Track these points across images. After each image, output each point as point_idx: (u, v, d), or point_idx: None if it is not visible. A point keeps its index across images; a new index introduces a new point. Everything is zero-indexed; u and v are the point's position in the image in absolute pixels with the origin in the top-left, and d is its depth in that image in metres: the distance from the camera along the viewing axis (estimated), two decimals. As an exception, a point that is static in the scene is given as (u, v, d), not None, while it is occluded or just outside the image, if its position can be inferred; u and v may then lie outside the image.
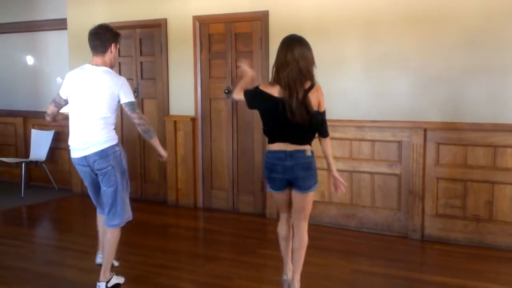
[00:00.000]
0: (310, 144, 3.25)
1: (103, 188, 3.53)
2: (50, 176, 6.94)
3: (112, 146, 3.47)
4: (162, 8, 5.92)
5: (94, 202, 3.76)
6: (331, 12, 5.01)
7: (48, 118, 3.65)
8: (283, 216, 3.45)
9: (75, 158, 3.50)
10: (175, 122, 5.95)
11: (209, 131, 5.87)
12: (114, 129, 3.55)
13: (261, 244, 4.73)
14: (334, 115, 5.01)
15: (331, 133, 5.02)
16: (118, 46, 3.60)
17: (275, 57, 5.59)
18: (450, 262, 4.18)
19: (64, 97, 3.54)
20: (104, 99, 3.41)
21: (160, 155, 3.83)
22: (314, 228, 5.09)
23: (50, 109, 3.60)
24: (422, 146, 4.63)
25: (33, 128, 7.22)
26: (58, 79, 7.28)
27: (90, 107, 3.42)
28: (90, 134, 3.42)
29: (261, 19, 5.36)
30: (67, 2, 6.59)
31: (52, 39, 7.33)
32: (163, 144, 6.09)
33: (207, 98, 5.83)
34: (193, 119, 5.86)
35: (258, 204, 5.64)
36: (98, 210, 3.82)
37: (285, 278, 3.46)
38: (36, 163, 6.96)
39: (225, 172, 5.81)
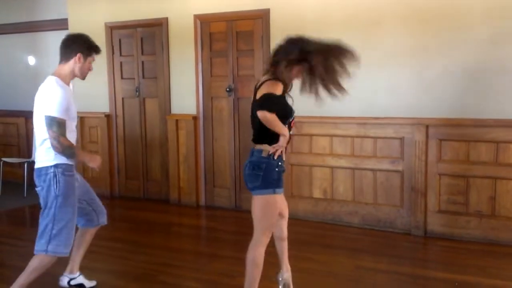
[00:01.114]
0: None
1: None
2: (53, 176, 6.95)
3: (47, 168, 3.18)
4: (163, 7, 5.93)
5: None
6: (332, 9, 5.01)
7: None
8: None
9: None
10: (176, 121, 5.95)
11: (211, 130, 5.87)
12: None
13: (264, 241, 4.72)
14: (336, 113, 5.02)
15: (332, 130, 5.05)
16: (89, 59, 3.29)
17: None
18: (453, 258, 4.18)
19: None
20: (39, 112, 3.21)
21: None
22: (317, 225, 5.12)
23: None
24: (424, 143, 4.63)
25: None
26: (60, 79, 7.29)
27: (35, 120, 3.29)
28: (36, 150, 3.26)
29: (262, 17, 5.36)
30: (68, 2, 6.60)
31: (53, 39, 7.31)
32: (165, 143, 6.12)
33: (208, 97, 5.83)
34: (195, 118, 5.87)
35: (260, 202, 5.63)
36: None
37: (279, 277, 3.46)
38: (39, 163, 6.97)
39: (227, 170, 5.81)
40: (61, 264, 3.54)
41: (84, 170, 6.72)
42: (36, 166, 3.25)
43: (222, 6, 5.55)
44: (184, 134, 5.92)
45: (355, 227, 4.99)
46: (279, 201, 3.10)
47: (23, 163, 6.81)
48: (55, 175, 3.17)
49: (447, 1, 4.53)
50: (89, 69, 3.33)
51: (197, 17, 5.72)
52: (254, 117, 2.93)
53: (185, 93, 5.93)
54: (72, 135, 3.22)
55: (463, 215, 4.58)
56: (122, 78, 6.38)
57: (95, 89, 6.53)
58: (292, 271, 3.91)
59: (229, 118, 5.73)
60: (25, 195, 6.58)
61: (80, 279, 3.68)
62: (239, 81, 5.62)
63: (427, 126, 4.62)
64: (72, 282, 3.64)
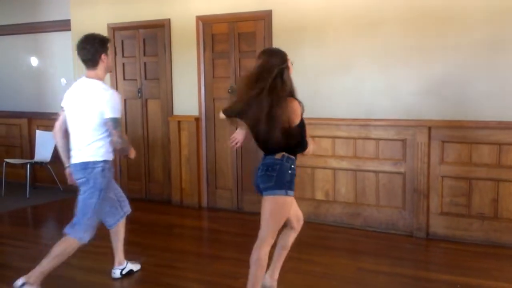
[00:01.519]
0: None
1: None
2: (55, 177, 6.96)
3: (95, 162, 3.46)
4: (165, 8, 5.93)
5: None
6: (334, 11, 5.00)
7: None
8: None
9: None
10: (179, 122, 5.96)
11: (213, 131, 5.88)
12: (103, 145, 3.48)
13: (266, 243, 4.72)
14: (338, 114, 5.03)
15: (335, 132, 5.04)
16: (108, 53, 3.55)
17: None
18: (456, 260, 4.17)
19: (63, 108, 3.63)
20: (90, 114, 3.44)
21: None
22: (319, 227, 5.11)
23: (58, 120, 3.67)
24: (427, 145, 4.62)
25: (38, 129, 7.24)
26: (63, 80, 7.30)
27: (79, 121, 3.50)
28: (77, 146, 3.53)
29: (264, 18, 5.36)
30: (70, 3, 6.61)
31: (56, 41, 7.35)
32: (167, 144, 6.13)
33: (210, 98, 5.83)
34: (197, 119, 5.87)
35: (262, 203, 5.64)
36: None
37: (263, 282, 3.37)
38: (41, 164, 6.98)
39: (229, 171, 5.81)
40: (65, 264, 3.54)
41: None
42: (81, 160, 3.50)
43: (224, 7, 5.55)
44: (186, 135, 5.93)
45: (357, 229, 4.98)
46: (291, 207, 3.13)
47: (26, 164, 6.83)
48: (103, 170, 3.49)
49: (449, 3, 4.53)
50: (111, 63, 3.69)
51: (199, 18, 5.73)
52: (273, 131, 2.93)
53: (187, 94, 5.94)
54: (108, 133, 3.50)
55: (466, 217, 4.57)
56: (124, 79, 6.39)
57: (97, 90, 6.54)
58: (294, 272, 3.92)
59: (231, 119, 5.72)
60: (28, 196, 6.60)
61: (129, 266, 3.97)
62: (241, 83, 5.62)
63: (429, 128, 4.61)
64: (124, 272, 3.94)
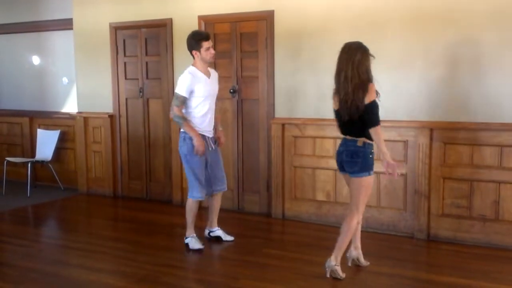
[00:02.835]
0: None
1: None
2: (56, 176, 6.97)
3: (181, 132, 4.42)
4: (167, 8, 5.93)
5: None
6: (337, 11, 5.00)
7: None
8: None
9: None
10: (180, 121, 5.95)
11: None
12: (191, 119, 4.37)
13: (266, 243, 4.73)
14: (340, 115, 5.01)
15: (336, 133, 5.03)
16: (201, 49, 4.28)
17: (280, 56, 5.62)
18: (457, 262, 4.16)
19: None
20: None
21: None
22: (320, 228, 5.11)
23: None
24: (428, 146, 4.62)
25: (39, 128, 7.25)
26: (64, 79, 7.31)
27: None
28: None
29: (266, 18, 5.36)
30: (73, 2, 6.61)
31: (58, 39, 7.36)
32: (168, 144, 6.13)
33: (212, 98, 5.82)
34: (199, 119, 5.86)
35: (263, 203, 5.64)
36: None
37: (347, 255, 3.98)
38: (42, 162, 6.99)
39: (231, 171, 5.80)
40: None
41: (88, 170, 6.74)
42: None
43: (226, 7, 5.55)
44: (187, 135, 5.92)
45: (358, 230, 4.97)
46: (372, 181, 3.80)
47: (27, 162, 6.83)
48: (184, 139, 4.38)
49: (452, 4, 4.52)
50: (209, 55, 4.34)
51: (201, 18, 5.72)
52: (359, 115, 3.56)
53: (189, 94, 5.92)
54: (200, 109, 4.35)
55: (467, 219, 4.56)
56: (126, 78, 6.39)
57: (99, 90, 6.55)
58: (295, 273, 3.93)
59: (232, 119, 5.73)
60: (28, 195, 6.60)
61: (218, 233, 4.72)
62: (243, 82, 5.62)
63: (431, 129, 4.61)
64: (212, 234, 4.73)
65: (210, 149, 4.43)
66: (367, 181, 3.68)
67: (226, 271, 4.02)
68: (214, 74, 4.53)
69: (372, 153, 3.66)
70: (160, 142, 6.27)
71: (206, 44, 4.29)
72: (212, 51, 4.34)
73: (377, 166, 4.99)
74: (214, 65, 5.77)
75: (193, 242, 4.50)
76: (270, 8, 5.31)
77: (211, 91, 4.43)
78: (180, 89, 4.28)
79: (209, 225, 4.76)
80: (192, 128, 4.31)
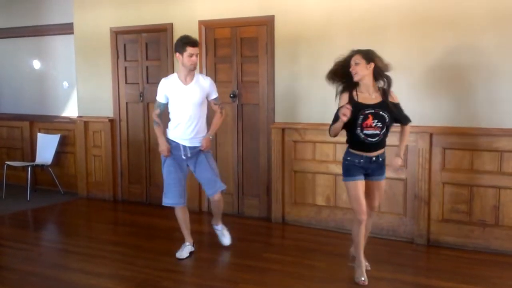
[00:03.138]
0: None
1: None
2: (56, 180, 6.97)
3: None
4: (168, 12, 5.95)
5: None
6: (337, 17, 5.02)
7: None
8: None
9: None
10: (180, 126, 5.96)
11: (215, 135, 5.86)
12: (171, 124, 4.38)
13: (266, 248, 4.73)
14: (340, 120, 5.02)
15: (337, 137, 5.03)
16: (185, 53, 4.17)
17: (280, 61, 5.61)
18: (457, 267, 4.16)
19: None
20: None
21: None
22: (320, 232, 5.11)
23: None
24: (428, 151, 4.62)
25: (39, 132, 7.26)
26: (65, 83, 7.32)
27: None
28: None
29: (267, 24, 5.37)
30: (74, 6, 6.63)
31: (59, 44, 7.37)
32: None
33: (212, 102, 5.83)
34: (199, 123, 5.87)
35: (263, 208, 5.64)
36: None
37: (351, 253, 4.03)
38: (42, 166, 7.00)
39: (231, 176, 5.81)
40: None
41: (88, 174, 6.74)
42: None
43: (227, 12, 5.57)
44: (187, 139, 5.92)
45: (358, 235, 4.96)
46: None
47: (27, 166, 6.83)
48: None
49: (452, 8, 4.53)
50: (190, 61, 4.20)
51: (202, 23, 5.74)
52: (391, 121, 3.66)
53: (189, 99, 5.94)
54: (174, 115, 4.31)
55: (467, 224, 4.56)
56: (126, 83, 6.40)
57: (99, 94, 6.56)
58: (295, 278, 3.92)
59: (232, 123, 5.74)
60: (28, 199, 6.60)
61: (217, 233, 4.76)
62: (243, 87, 5.63)
63: (431, 134, 4.61)
64: (218, 230, 4.77)
65: (184, 157, 4.32)
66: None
67: (226, 275, 4.02)
68: (200, 81, 4.34)
69: (346, 159, 3.78)
70: (160, 146, 6.27)
71: (190, 50, 4.16)
72: (194, 59, 4.19)
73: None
74: (215, 70, 5.80)
75: (180, 251, 4.45)
76: (271, 13, 5.33)
77: (188, 99, 4.25)
78: (157, 94, 4.35)
79: (213, 221, 4.78)
80: (160, 132, 4.35)
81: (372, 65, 3.61)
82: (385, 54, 4.80)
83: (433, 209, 4.67)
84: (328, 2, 5.05)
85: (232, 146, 5.77)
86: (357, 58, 3.62)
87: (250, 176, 5.72)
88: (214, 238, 5.24)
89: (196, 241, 5.17)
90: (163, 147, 4.33)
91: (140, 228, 5.42)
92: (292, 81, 5.30)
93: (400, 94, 4.80)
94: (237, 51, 5.61)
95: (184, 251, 4.43)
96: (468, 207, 4.55)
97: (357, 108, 3.58)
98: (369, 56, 3.63)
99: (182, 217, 4.48)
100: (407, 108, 4.77)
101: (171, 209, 6.04)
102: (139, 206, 6.32)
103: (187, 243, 4.49)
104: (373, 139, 3.60)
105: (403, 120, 3.79)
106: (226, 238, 4.70)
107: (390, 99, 3.68)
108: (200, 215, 5.89)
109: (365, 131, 3.60)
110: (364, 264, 3.87)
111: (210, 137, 4.42)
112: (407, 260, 4.40)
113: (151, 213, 5.99)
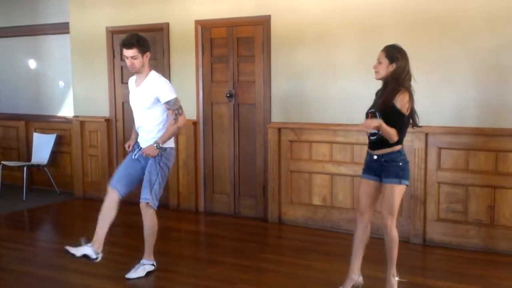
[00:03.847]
0: None
1: None
2: (52, 180, 6.95)
3: None
4: (164, 12, 5.94)
5: None
6: (333, 17, 5.02)
7: None
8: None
9: None
10: (177, 126, 5.95)
11: (211, 135, 5.88)
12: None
13: (262, 248, 4.73)
14: (336, 120, 5.03)
15: (332, 137, 5.04)
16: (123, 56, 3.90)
17: (276, 61, 5.60)
18: (453, 267, 4.17)
19: None
20: None
21: None
22: (316, 232, 5.11)
23: None
24: (424, 151, 4.63)
25: (35, 131, 7.24)
26: (60, 83, 7.30)
27: None
28: None
29: (263, 23, 5.37)
30: (70, 6, 6.61)
31: (55, 43, 7.35)
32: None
33: (208, 102, 5.84)
34: (195, 123, 5.87)
35: (259, 208, 5.64)
36: None
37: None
38: (38, 166, 6.98)
39: (227, 176, 5.81)
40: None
41: (84, 174, 6.73)
42: None
43: (223, 12, 5.56)
44: (184, 139, 5.93)
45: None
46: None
47: (23, 166, 6.81)
48: None
49: (449, 9, 4.54)
50: (128, 63, 3.86)
51: (198, 22, 5.74)
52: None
53: (185, 98, 5.89)
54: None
55: (462, 223, 4.58)
56: (122, 82, 6.38)
57: (95, 93, 6.55)
58: (292, 278, 3.93)
59: (229, 123, 5.73)
60: (24, 199, 6.58)
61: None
62: (240, 87, 5.63)
63: (426, 134, 4.62)
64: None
65: (133, 157, 4.08)
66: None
67: (223, 275, 4.02)
68: (150, 83, 3.88)
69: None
70: (157, 146, 6.26)
71: (124, 52, 3.82)
72: (129, 62, 3.80)
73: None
74: (211, 70, 5.79)
75: (74, 248, 3.89)
76: (267, 13, 5.33)
77: (135, 102, 4.00)
78: None
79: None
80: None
81: (394, 66, 3.43)
82: (381, 54, 4.83)
83: (429, 208, 4.68)
84: (325, 2, 5.05)
85: (228, 146, 5.77)
86: (381, 56, 3.49)
87: (246, 176, 5.72)
88: (210, 238, 5.25)
89: (193, 241, 5.18)
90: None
91: (135, 228, 5.38)
92: (288, 81, 5.30)
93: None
94: (234, 50, 5.61)
95: (79, 250, 3.84)
96: (464, 206, 4.56)
97: (371, 106, 3.58)
98: (392, 54, 3.46)
99: (105, 205, 4.03)
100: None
101: (166, 210, 6.07)
102: (135, 206, 6.25)
103: (84, 242, 3.92)
104: (373, 138, 3.49)
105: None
106: (132, 273, 4.00)
107: (394, 101, 3.42)
108: (197, 215, 5.89)
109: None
110: (352, 278, 3.63)
111: (155, 145, 3.85)
112: (403, 260, 4.38)
113: (147, 213, 5.96)
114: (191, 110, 5.90)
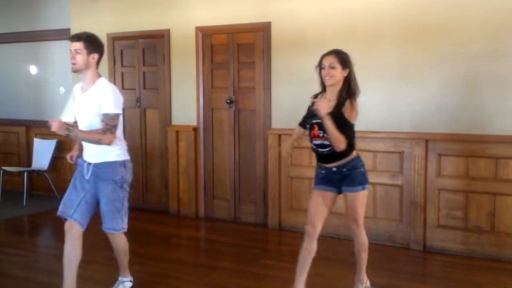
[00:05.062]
0: None
1: None
2: (52, 185, 6.95)
3: None
4: (165, 18, 5.97)
5: None
6: (333, 24, 5.04)
7: None
8: None
9: None
10: (177, 132, 5.97)
11: (211, 141, 5.89)
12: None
13: (262, 254, 4.72)
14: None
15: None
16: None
17: (277, 67, 5.64)
18: (453, 273, 4.17)
19: None
20: None
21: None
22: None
23: None
24: (424, 157, 4.64)
25: (36, 137, 7.25)
26: (61, 89, 7.31)
27: None
28: None
29: (263, 30, 5.39)
30: (70, 12, 6.64)
31: (56, 49, 7.37)
32: (165, 154, 6.13)
33: (209, 108, 5.85)
34: (195, 129, 5.88)
35: (259, 214, 5.64)
36: None
37: None
38: (39, 172, 6.98)
39: (227, 181, 5.81)
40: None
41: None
42: None
43: (223, 18, 5.59)
44: (184, 145, 5.94)
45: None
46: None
47: (23, 172, 6.82)
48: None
49: (447, 15, 4.56)
50: (70, 57, 3.39)
51: (198, 29, 5.76)
52: None
53: (185, 104, 5.95)
54: None
55: (462, 230, 4.57)
56: (123, 88, 6.39)
57: (96, 99, 6.55)
58: (290, 284, 3.91)
59: (229, 129, 5.75)
60: (24, 204, 6.58)
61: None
62: (240, 93, 5.64)
63: (426, 141, 4.63)
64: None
65: (86, 177, 3.53)
66: None
67: (222, 281, 4.01)
68: (96, 90, 3.35)
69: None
70: (157, 152, 6.27)
71: (70, 46, 3.39)
72: (70, 55, 3.37)
73: (378, 178, 5.04)
74: (211, 76, 5.81)
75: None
76: (267, 19, 5.35)
77: (78, 110, 3.46)
78: None
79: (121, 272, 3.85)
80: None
81: (347, 71, 3.34)
82: (381, 60, 4.86)
83: (429, 215, 4.68)
84: (324, 9, 5.07)
85: (229, 151, 5.78)
86: (333, 61, 3.36)
87: (246, 182, 5.73)
88: (210, 244, 5.25)
89: (193, 247, 5.18)
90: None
91: (135, 233, 5.37)
92: (289, 87, 5.31)
93: (396, 100, 4.84)
94: (234, 57, 5.63)
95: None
96: (463, 213, 4.56)
97: (309, 116, 3.44)
98: (345, 61, 3.37)
99: (67, 247, 3.62)
100: (404, 114, 4.80)
101: (166, 215, 6.07)
102: (135, 212, 6.25)
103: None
104: (324, 149, 3.31)
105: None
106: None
107: (343, 109, 3.26)
108: (197, 221, 5.89)
109: (314, 141, 3.38)
110: None
111: (66, 131, 3.17)
112: (403, 266, 4.40)
113: (146, 218, 5.97)
114: (191, 116, 5.93)
